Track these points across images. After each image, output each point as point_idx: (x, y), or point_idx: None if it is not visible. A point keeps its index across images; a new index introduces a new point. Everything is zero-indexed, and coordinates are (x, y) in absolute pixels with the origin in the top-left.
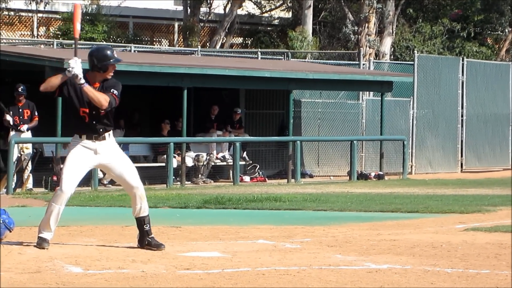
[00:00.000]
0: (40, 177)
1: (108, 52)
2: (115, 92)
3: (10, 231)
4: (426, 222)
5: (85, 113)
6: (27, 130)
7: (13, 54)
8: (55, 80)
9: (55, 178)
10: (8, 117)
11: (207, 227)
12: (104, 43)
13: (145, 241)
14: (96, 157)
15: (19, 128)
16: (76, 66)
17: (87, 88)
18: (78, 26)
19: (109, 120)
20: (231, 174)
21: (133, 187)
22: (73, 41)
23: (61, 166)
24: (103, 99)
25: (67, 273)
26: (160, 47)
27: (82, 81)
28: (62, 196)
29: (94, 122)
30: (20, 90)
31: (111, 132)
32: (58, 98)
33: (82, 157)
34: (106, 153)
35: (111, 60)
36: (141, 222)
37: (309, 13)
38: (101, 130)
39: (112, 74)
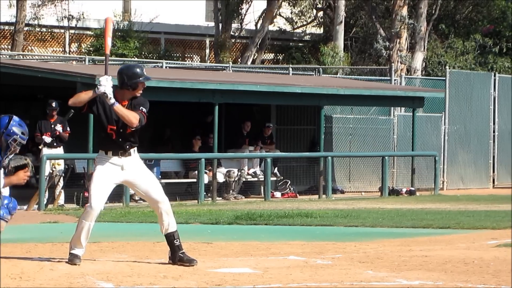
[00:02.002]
0: (72, 193)
1: (138, 70)
2: (144, 110)
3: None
4: (457, 238)
5: (112, 131)
6: (55, 138)
7: (45, 70)
8: (84, 96)
9: (86, 194)
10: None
11: (238, 243)
12: (136, 59)
13: (177, 256)
14: (122, 173)
15: (52, 142)
16: (107, 84)
17: (118, 108)
18: (109, 41)
19: (135, 137)
20: (262, 190)
21: (158, 201)
22: (104, 57)
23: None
24: (133, 118)
25: None
26: (191, 63)
27: (112, 100)
28: (92, 213)
29: (120, 139)
30: (53, 105)
31: (135, 148)
32: (90, 115)
33: (109, 173)
34: (132, 169)
35: (141, 78)
36: (170, 238)
37: (341, 29)
38: (127, 147)
39: (141, 92)
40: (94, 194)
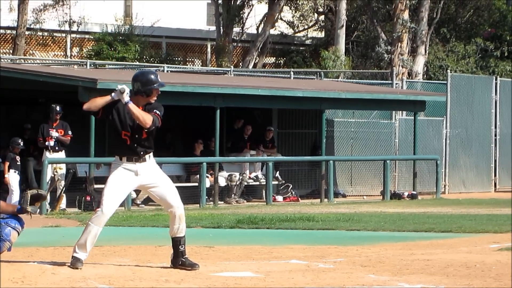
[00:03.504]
0: (74, 197)
1: (152, 76)
2: (158, 112)
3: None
4: (459, 241)
5: (126, 136)
6: (55, 138)
7: (46, 75)
8: (100, 101)
9: (88, 198)
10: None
11: (240, 247)
12: (137, 63)
13: (179, 261)
14: (137, 179)
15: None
16: (126, 87)
17: (132, 106)
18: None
19: (149, 142)
20: (264, 194)
21: (173, 206)
22: (106, 62)
23: (96, 186)
24: (147, 118)
25: None
26: (193, 67)
27: (127, 98)
28: (102, 218)
29: (135, 145)
30: (58, 110)
31: (151, 154)
32: (92, 119)
33: (124, 179)
34: (147, 174)
35: (155, 85)
36: (176, 242)
37: (342, 33)
38: (141, 152)
39: (155, 98)
40: (107, 199)
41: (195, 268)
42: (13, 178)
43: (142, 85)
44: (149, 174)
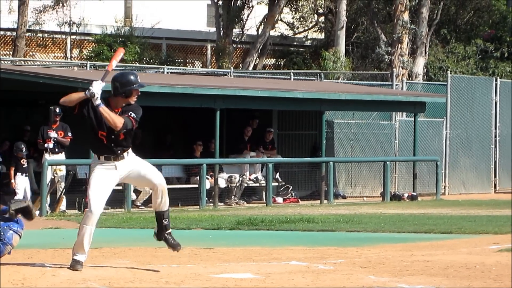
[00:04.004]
0: (74, 199)
1: (132, 77)
2: (133, 115)
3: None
4: (459, 243)
5: (103, 136)
6: (54, 140)
7: (46, 76)
8: (75, 96)
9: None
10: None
11: (240, 248)
12: (137, 64)
13: (163, 235)
14: (117, 172)
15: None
16: (97, 87)
17: (103, 109)
18: (114, 63)
19: (127, 141)
20: (264, 195)
21: (155, 183)
22: (106, 63)
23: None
24: (118, 121)
25: None
26: (193, 69)
27: (98, 101)
28: (92, 217)
29: (112, 144)
30: (57, 111)
31: (129, 150)
32: None
33: (105, 176)
34: (125, 166)
35: (135, 86)
36: (160, 216)
37: (342, 34)
38: (119, 151)
39: (135, 99)
40: (92, 198)
41: (177, 249)
42: (19, 181)
43: (121, 86)
44: (128, 165)
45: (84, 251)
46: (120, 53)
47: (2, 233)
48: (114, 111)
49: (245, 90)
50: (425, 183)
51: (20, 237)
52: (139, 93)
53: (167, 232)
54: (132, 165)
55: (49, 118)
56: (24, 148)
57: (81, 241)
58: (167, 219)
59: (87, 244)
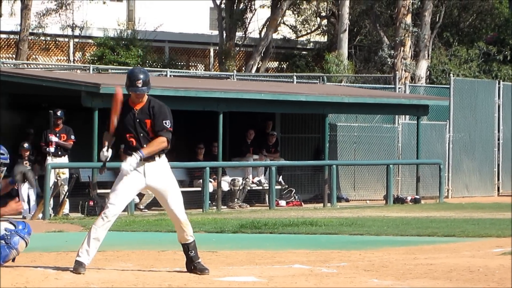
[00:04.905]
0: (77, 202)
1: (130, 77)
2: (167, 123)
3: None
4: (463, 246)
5: (131, 138)
6: (55, 144)
7: (49, 79)
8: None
9: (91, 203)
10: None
11: (243, 251)
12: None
13: (192, 266)
14: (144, 180)
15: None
16: (132, 160)
17: (146, 152)
18: (115, 120)
19: None
20: (267, 199)
21: (175, 216)
22: (108, 66)
23: (99, 191)
24: (162, 145)
25: None
26: (195, 72)
27: (138, 157)
28: (107, 221)
29: (143, 145)
30: (59, 114)
31: (163, 154)
32: (95, 124)
33: (130, 181)
34: (154, 176)
35: (129, 88)
36: (185, 248)
37: (345, 37)
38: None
39: (140, 99)
40: (112, 202)
41: (205, 273)
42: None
43: (126, 85)
44: (156, 177)
45: (89, 254)
46: (119, 96)
47: (9, 237)
48: (137, 106)
49: (248, 93)
50: (428, 186)
51: (26, 244)
52: (139, 94)
53: (195, 262)
54: (160, 180)
55: (49, 122)
56: (26, 145)
57: (88, 243)
58: (193, 251)
59: (94, 248)
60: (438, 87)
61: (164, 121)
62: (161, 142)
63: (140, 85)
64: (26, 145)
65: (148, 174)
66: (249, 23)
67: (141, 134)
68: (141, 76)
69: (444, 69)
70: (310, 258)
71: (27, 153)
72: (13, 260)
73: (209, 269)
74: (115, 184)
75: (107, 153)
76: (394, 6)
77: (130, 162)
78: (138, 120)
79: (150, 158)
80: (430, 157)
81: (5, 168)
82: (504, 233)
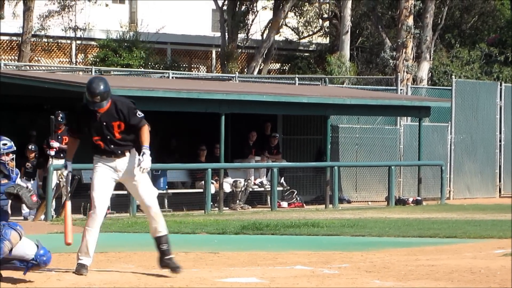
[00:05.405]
0: (79, 204)
1: (88, 91)
2: (138, 113)
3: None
4: (464, 247)
5: (98, 141)
6: (56, 149)
7: (51, 81)
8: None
9: None
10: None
11: (245, 253)
12: (142, 69)
13: (163, 261)
14: (115, 174)
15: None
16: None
17: (147, 144)
18: (69, 237)
19: (126, 141)
20: (268, 200)
21: (146, 206)
22: (111, 68)
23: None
24: (148, 131)
25: None
26: (198, 73)
27: (147, 154)
28: (96, 219)
29: (112, 146)
30: (60, 119)
31: (133, 149)
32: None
33: (105, 175)
34: (124, 170)
35: (89, 103)
36: (157, 242)
37: (347, 39)
38: (119, 152)
39: (98, 112)
40: (96, 199)
41: (177, 271)
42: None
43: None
44: (127, 171)
45: (89, 255)
46: (67, 209)
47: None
48: (99, 111)
49: (250, 95)
50: (430, 188)
51: (20, 236)
52: (96, 109)
53: (166, 258)
54: (130, 174)
55: (50, 127)
56: (33, 147)
57: (85, 244)
58: (165, 244)
59: (92, 247)
60: (440, 88)
61: (136, 114)
62: (147, 130)
63: (98, 101)
64: (31, 146)
65: (119, 169)
66: (251, 25)
67: (108, 137)
68: (98, 91)
69: (446, 71)
70: (312, 259)
71: (33, 155)
72: (10, 251)
73: (181, 267)
74: (92, 183)
75: (66, 171)
76: (396, 7)
77: (148, 160)
78: (104, 124)
79: (121, 154)
80: (431, 159)
81: (14, 156)
82: (505, 235)
